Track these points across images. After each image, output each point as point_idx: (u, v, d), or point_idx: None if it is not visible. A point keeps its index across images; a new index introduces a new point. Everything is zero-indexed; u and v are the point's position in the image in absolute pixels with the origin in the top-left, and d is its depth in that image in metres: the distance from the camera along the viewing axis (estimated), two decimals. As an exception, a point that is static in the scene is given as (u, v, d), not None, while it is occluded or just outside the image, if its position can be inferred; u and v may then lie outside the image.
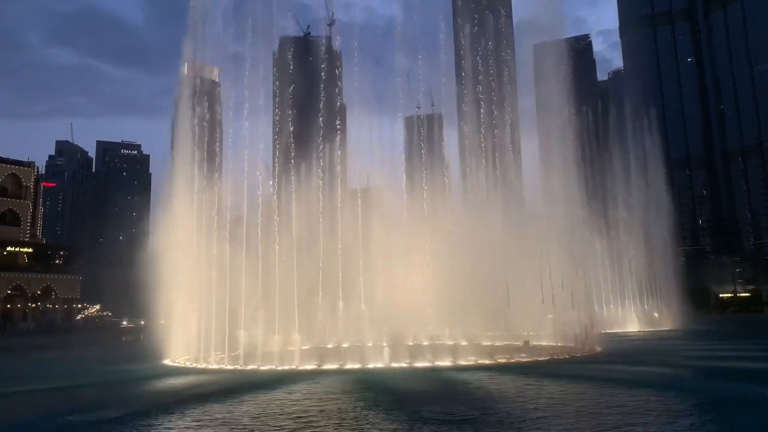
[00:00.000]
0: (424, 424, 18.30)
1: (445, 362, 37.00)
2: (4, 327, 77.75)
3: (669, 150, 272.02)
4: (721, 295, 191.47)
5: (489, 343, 44.35)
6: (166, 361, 43.67)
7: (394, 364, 36.39)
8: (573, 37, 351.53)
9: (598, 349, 45.26)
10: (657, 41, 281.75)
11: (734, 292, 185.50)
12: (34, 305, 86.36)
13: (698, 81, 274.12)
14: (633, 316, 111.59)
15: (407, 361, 37.23)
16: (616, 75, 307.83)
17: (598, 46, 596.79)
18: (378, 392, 26.69)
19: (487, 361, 37.37)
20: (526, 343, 44.75)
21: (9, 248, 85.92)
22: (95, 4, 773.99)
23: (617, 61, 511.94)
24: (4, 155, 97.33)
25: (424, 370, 35.03)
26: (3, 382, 33.43)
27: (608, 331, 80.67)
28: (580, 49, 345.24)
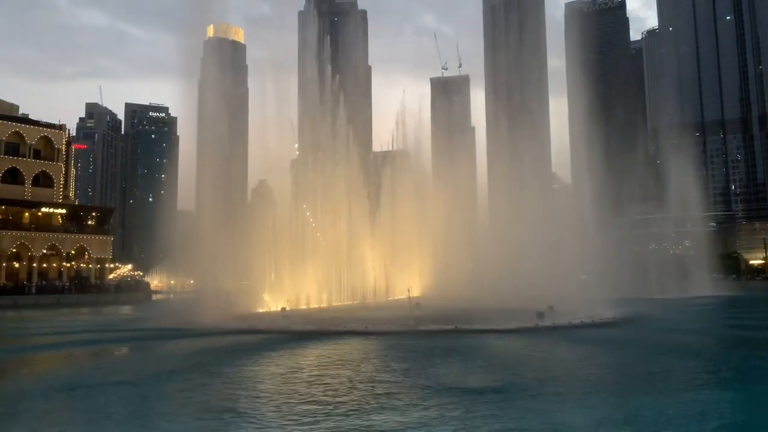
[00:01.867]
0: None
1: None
2: (42, 285, 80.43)
3: (703, 112, 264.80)
4: (751, 262, 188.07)
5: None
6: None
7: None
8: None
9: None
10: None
11: (765, 258, 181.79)
12: (68, 264, 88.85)
13: (737, 40, 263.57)
14: (665, 282, 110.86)
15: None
16: (650, 35, 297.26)
17: (632, 4, 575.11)
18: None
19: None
20: (551, 308, 44.87)
21: (44, 209, 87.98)
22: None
23: (652, 20, 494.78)
24: (35, 117, 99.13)
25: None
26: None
27: (643, 296, 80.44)
28: (613, 8, 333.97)
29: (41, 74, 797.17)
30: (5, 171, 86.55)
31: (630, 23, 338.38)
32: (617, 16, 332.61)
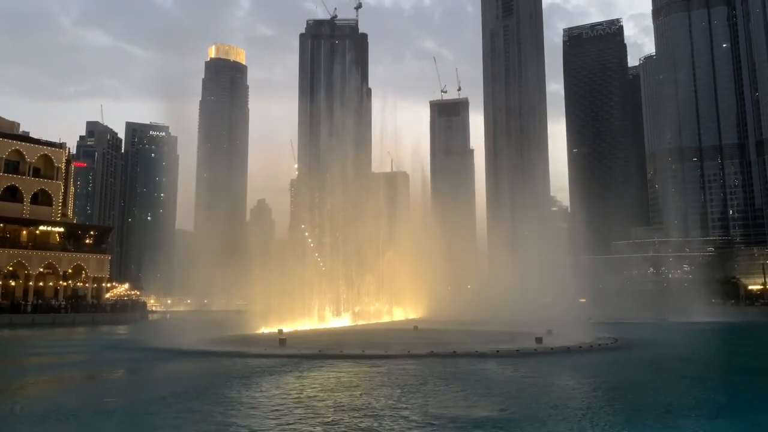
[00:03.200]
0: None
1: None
2: (37, 304, 79.92)
3: (701, 138, 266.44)
4: (750, 287, 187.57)
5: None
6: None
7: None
8: (604, 22, 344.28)
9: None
10: (691, 25, 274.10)
11: (764, 284, 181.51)
12: (65, 283, 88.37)
13: (734, 67, 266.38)
14: (664, 307, 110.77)
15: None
16: (648, 61, 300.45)
17: (629, 31, 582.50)
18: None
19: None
20: (550, 332, 44.78)
21: (42, 227, 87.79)
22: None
23: (649, 47, 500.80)
24: (36, 136, 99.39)
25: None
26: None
27: (642, 320, 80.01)
28: (611, 34, 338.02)
29: (44, 93, 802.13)
30: (4, 189, 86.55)
31: (628, 49, 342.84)
32: (615, 42, 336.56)
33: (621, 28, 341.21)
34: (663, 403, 20.77)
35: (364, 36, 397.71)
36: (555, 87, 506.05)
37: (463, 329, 65.67)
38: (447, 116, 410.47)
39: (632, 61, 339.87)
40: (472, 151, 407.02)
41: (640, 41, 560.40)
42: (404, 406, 19.17)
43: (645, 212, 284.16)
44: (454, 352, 36.03)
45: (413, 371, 28.34)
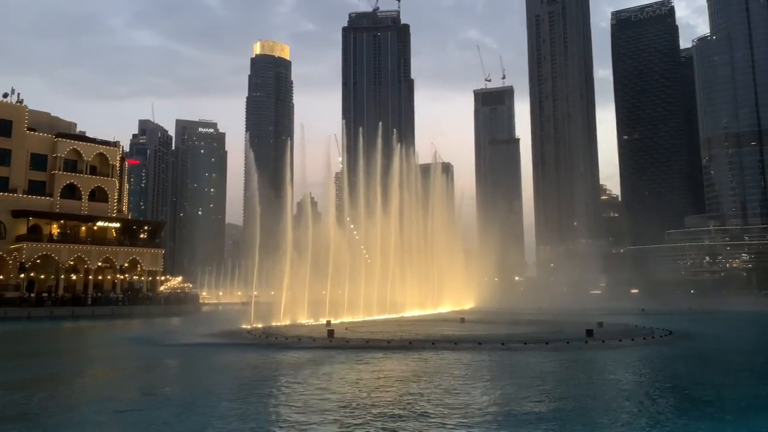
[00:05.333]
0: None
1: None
2: (96, 296, 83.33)
3: (759, 120, 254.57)
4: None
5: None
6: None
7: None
8: (654, 3, 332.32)
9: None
10: (748, 3, 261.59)
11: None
12: (122, 277, 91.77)
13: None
14: (720, 296, 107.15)
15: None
16: (702, 42, 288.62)
17: (681, 12, 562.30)
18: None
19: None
20: (600, 324, 43.99)
21: (99, 223, 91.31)
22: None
23: (702, 28, 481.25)
24: (91, 135, 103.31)
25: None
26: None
27: (698, 309, 77.49)
28: (662, 16, 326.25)
29: (98, 94, 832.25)
30: (64, 186, 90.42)
31: (680, 31, 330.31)
32: (666, 24, 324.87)
33: (672, 9, 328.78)
34: (734, 398, 20.18)
35: (406, 27, 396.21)
36: (603, 73, 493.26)
37: (510, 320, 65.12)
38: (491, 105, 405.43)
39: (684, 43, 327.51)
40: (517, 140, 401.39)
41: (693, 22, 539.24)
42: (453, 399, 19.22)
43: (699, 200, 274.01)
44: (503, 343, 35.81)
45: (462, 362, 28.33)
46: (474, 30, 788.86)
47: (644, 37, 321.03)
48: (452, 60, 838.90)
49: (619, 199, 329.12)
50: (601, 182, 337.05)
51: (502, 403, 18.51)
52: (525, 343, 35.83)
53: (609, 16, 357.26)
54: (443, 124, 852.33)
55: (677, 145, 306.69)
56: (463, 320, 61.45)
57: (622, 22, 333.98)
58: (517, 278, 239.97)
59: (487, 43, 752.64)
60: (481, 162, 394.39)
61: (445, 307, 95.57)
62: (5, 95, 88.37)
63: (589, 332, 39.37)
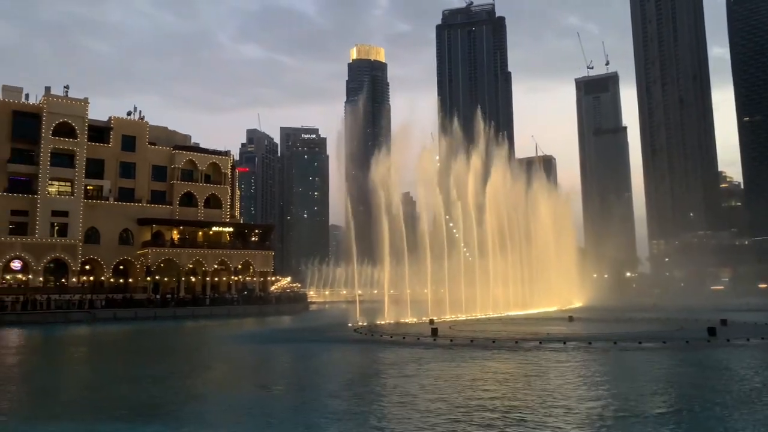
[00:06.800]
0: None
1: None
2: (213, 297, 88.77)
3: None
4: None
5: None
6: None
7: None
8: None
9: None
10: None
11: None
12: (236, 278, 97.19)
13: None
14: None
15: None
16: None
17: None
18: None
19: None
20: (723, 322, 40.87)
21: (214, 228, 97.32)
22: None
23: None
24: (204, 146, 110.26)
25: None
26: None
27: None
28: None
29: (208, 106, 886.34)
30: (182, 195, 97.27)
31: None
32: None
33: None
34: None
35: (502, 20, 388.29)
36: (718, 51, 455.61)
37: (622, 318, 62.24)
38: (595, 93, 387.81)
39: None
40: (624, 129, 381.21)
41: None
42: (559, 400, 18.79)
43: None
44: (615, 342, 34.35)
45: (571, 361, 27.52)
46: (573, 16, 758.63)
47: (763, 9, 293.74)
48: (551, 49, 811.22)
49: (741, 186, 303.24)
50: (720, 169, 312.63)
51: (615, 404, 17.81)
52: (639, 343, 34.20)
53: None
54: (543, 116, 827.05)
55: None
56: (571, 318, 59.52)
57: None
58: (628, 274, 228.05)
59: (587, 28, 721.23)
60: (585, 153, 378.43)
61: (552, 306, 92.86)
62: (129, 113, 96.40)
63: (712, 330, 36.87)
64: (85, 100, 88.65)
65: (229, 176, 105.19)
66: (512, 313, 75.14)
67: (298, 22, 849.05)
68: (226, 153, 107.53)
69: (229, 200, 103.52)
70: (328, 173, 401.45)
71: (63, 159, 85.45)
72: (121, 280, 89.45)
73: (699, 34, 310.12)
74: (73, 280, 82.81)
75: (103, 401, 19.94)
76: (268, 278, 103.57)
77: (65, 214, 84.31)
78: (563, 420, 15.41)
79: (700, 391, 19.90)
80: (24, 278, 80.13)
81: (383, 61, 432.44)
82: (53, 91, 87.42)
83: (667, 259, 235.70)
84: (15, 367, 30.14)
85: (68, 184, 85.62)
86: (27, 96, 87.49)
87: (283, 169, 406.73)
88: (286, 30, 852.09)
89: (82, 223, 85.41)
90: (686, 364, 27.20)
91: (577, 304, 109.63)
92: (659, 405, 17.55)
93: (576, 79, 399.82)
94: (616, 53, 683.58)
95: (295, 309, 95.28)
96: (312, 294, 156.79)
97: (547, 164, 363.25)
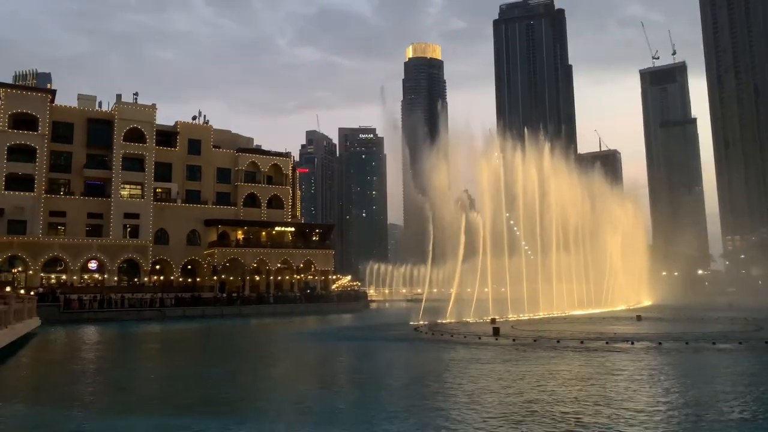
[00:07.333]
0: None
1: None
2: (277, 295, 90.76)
3: None
4: None
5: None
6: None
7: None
8: None
9: None
10: None
11: None
12: (298, 277, 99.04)
13: None
14: None
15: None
16: None
17: None
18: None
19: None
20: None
21: (277, 228, 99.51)
22: (329, 2, 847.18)
23: None
24: (265, 148, 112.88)
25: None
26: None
27: None
28: None
29: (269, 109, 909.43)
30: (246, 196, 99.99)
31: None
32: None
33: None
34: None
35: (561, 12, 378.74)
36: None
37: (694, 318, 59.65)
38: (661, 84, 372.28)
39: None
40: (694, 120, 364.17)
41: None
42: (627, 402, 18.13)
43: None
44: (687, 342, 32.90)
45: (640, 362, 26.53)
46: (636, 5, 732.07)
47: None
48: (613, 40, 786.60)
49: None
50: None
51: (688, 409, 17.03)
52: (713, 343, 32.62)
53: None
54: (607, 109, 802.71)
55: None
56: (639, 318, 57.49)
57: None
58: (700, 272, 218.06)
59: (652, 17, 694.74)
60: (651, 146, 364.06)
61: (620, 305, 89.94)
62: (194, 118, 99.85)
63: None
64: (153, 106, 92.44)
65: (290, 177, 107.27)
66: (577, 312, 73.23)
67: (353, 24, 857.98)
68: (287, 154, 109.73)
69: (290, 201, 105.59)
70: (386, 173, 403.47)
71: (134, 163, 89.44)
72: (189, 280, 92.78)
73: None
74: (145, 279, 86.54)
75: (174, 396, 20.73)
76: (329, 277, 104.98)
77: (136, 216, 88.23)
78: (629, 424, 14.86)
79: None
80: (100, 278, 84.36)
81: (439, 58, 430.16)
82: (123, 99, 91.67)
83: (743, 256, 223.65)
84: (93, 362, 31.77)
85: (139, 187, 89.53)
86: (100, 104, 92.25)
87: (341, 169, 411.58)
88: (342, 32, 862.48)
89: (152, 225, 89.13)
90: (765, 366, 25.71)
91: (646, 303, 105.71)
92: (736, 409, 16.65)
93: (641, 70, 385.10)
94: (683, 42, 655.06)
95: (355, 307, 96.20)
96: (372, 293, 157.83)
97: (612, 158, 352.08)
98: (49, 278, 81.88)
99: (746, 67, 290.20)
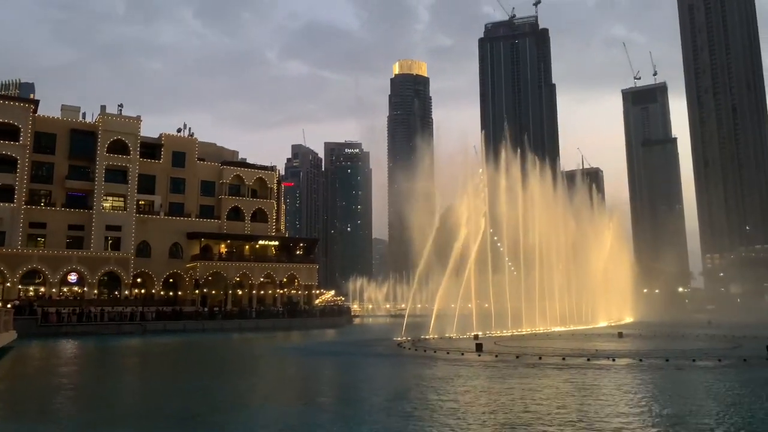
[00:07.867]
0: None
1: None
2: (259, 310, 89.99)
3: None
4: None
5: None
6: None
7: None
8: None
9: None
10: None
11: None
12: (281, 291, 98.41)
13: None
14: None
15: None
16: None
17: None
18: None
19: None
20: None
21: (261, 242, 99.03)
22: (317, 16, 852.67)
23: None
24: (250, 161, 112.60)
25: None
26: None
27: None
28: None
29: (254, 123, 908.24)
30: (229, 209, 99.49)
31: None
32: None
33: None
34: None
35: (545, 32, 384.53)
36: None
37: (674, 335, 60.21)
38: (642, 104, 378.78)
39: None
40: (674, 140, 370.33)
41: None
42: (608, 418, 18.24)
43: None
44: (667, 359, 33.20)
45: (620, 378, 26.71)
46: (619, 26, 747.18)
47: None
48: (596, 60, 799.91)
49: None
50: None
51: (668, 423, 17.18)
52: (693, 360, 32.97)
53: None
54: (589, 128, 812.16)
55: None
56: (621, 335, 57.87)
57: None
58: (681, 289, 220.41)
59: (634, 38, 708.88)
60: (633, 165, 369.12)
61: (601, 322, 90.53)
62: (179, 130, 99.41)
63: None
64: (138, 118, 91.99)
65: (275, 191, 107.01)
66: (559, 328, 73.57)
67: (341, 39, 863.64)
68: (272, 168, 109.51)
69: (274, 214, 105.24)
70: (371, 187, 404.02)
71: (117, 175, 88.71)
72: (171, 293, 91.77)
73: (752, 41, 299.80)
74: (126, 292, 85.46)
75: (154, 410, 20.46)
76: (313, 291, 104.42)
77: (118, 228, 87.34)
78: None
79: (762, 412, 18.97)
80: (80, 290, 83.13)
81: (425, 75, 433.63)
82: (108, 110, 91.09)
83: (722, 274, 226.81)
84: (71, 376, 31.24)
85: (121, 199, 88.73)
86: (84, 114, 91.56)
87: (327, 184, 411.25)
88: (329, 46, 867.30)
89: (135, 237, 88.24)
90: (744, 383, 26.01)
91: (628, 319, 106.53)
92: (715, 426, 16.81)
93: (623, 90, 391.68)
94: (664, 63, 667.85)
95: (338, 322, 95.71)
96: (356, 308, 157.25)
97: (594, 176, 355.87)
98: (27, 291, 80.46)
99: (724, 88, 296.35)
